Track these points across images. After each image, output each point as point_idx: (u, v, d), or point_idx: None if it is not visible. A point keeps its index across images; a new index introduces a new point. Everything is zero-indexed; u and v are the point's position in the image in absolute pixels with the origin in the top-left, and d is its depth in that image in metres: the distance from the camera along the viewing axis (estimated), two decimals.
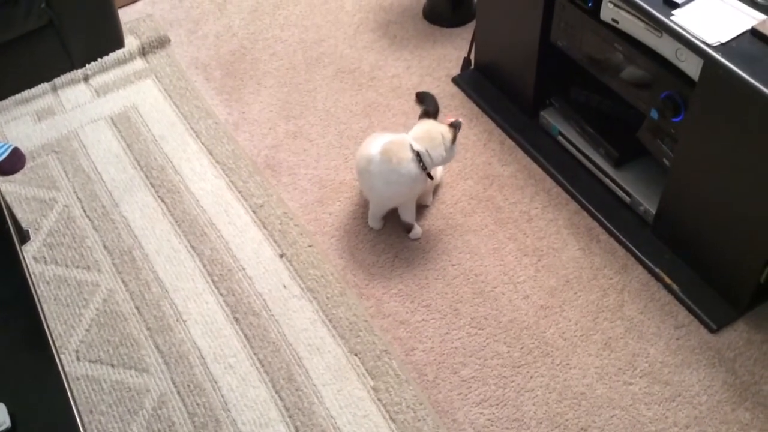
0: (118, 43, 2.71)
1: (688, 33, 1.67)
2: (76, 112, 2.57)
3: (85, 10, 2.53)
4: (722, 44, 1.63)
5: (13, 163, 2.38)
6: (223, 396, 1.88)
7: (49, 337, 1.37)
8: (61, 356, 1.93)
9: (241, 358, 1.95)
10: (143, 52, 2.75)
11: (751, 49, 1.62)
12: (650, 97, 1.91)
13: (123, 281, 2.11)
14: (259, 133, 2.50)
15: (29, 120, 2.55)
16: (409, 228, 2.17)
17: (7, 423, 1.25)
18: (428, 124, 2.07)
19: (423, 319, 2.02)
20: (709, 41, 1.64)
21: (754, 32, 1.64)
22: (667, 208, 2.03)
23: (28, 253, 2.17)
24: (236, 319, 2.02)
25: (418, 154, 2.01)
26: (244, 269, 2.13)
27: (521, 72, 2.38)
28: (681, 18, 1.70)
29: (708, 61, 1.65)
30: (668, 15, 1.72)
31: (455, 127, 2.04)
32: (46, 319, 1.41)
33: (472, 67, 2.63)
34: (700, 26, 1.67)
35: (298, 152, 2.43)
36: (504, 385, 1.88)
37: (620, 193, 2.19)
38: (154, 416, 1.86)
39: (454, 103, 2.55)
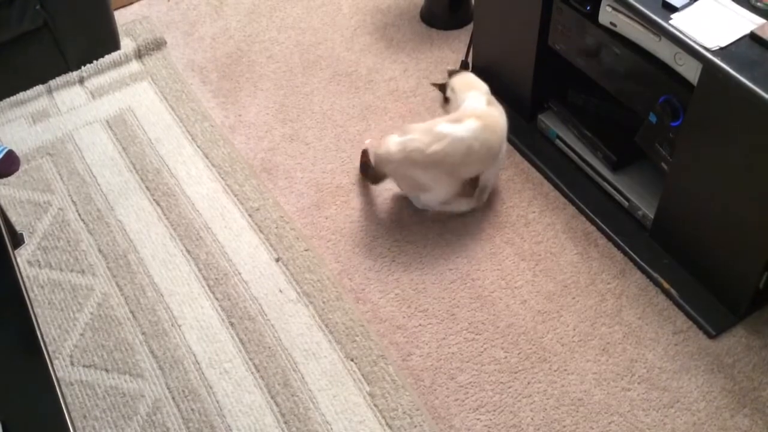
0: (114, 45, 2.70)
1: (687, 37, 1.66)
2: (71, 114, 2.56)
3: (80, 11, 2.52)
4: (721, 48, 1.63)
5: (8, 165, 2.37)
6: (218, 401, 1.87)
7: (42, 342, 1.36)
8: (55, 361, 1.92)
9: (237, 364, 1.93)
10: (139, 54, 2.73)
11: (750, 53, 1.61)
12: (648, 101, 1.90)
13: (118, 285, 2.10)
14: (256, 136, 2.49)
15: (24, 122, 2.53)
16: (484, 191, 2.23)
17: None
18: (465, 75, 2.30)
19: (420, 324, 2.00)
20: (708, 45, 1.63)
21: (753, 36, 1.64)
22: (666, 212, 2.02)
23: (22, 256, 2.16)
24: (231, 324, 2.01)
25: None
26: (239, 273, 2.11)
27: (519, 75, 2.37)
28: (680, 22, 1.69)
29: (707, 66, 1.64)
30: (667, 19, 1.71)
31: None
32: (39, 324, 1.39)
33: (470, 70, 2.62)
34: (699, 30, 1.66)
35: (294, 155, 2.42)
36: (501, 391, 1.87)
37: (618, 198, 2.19)
38: (148, 422, 1.84)
39: None
